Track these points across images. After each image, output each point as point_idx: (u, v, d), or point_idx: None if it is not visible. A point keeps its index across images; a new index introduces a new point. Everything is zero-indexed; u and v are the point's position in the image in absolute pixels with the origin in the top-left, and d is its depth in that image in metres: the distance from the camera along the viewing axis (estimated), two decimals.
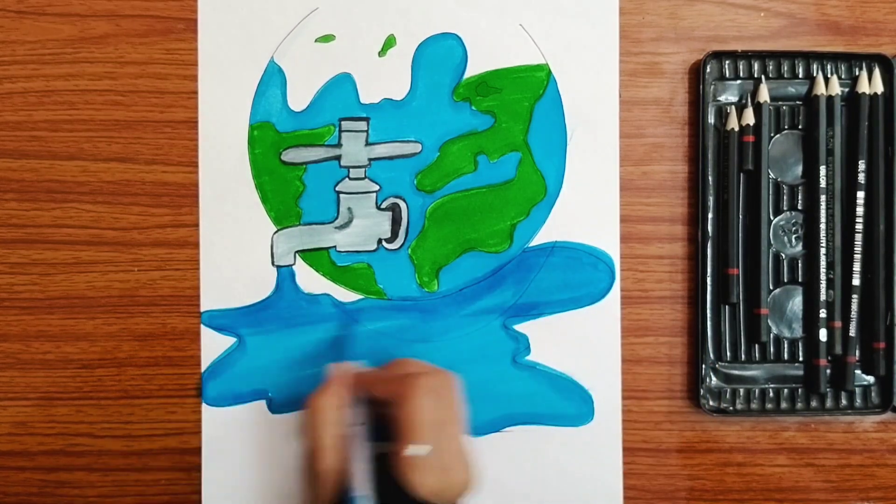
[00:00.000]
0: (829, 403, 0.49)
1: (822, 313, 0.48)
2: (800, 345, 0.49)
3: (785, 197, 0.49)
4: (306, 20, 0.48)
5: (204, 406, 0.48)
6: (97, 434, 0.48)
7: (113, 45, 0.48)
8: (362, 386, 0.41)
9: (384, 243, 0.49)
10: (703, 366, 0.48)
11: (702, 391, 0.48)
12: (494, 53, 0.49)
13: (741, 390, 0.49)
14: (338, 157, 0.48)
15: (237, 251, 0.48)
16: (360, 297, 0.48)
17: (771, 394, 0.49)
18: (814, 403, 0.49)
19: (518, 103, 0.49)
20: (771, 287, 0.49)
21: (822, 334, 0.48)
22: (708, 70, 0.48)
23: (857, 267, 0.48)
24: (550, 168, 0.49)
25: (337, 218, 0.48)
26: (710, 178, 0.49)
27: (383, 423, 0.41)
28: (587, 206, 0.49)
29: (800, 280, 0.49)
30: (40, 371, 0.48)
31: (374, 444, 0.41)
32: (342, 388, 0.41)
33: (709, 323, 0.49)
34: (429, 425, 0.38)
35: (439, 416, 0.39)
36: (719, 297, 0.49)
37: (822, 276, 0.48)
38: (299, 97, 0.48)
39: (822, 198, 0.48)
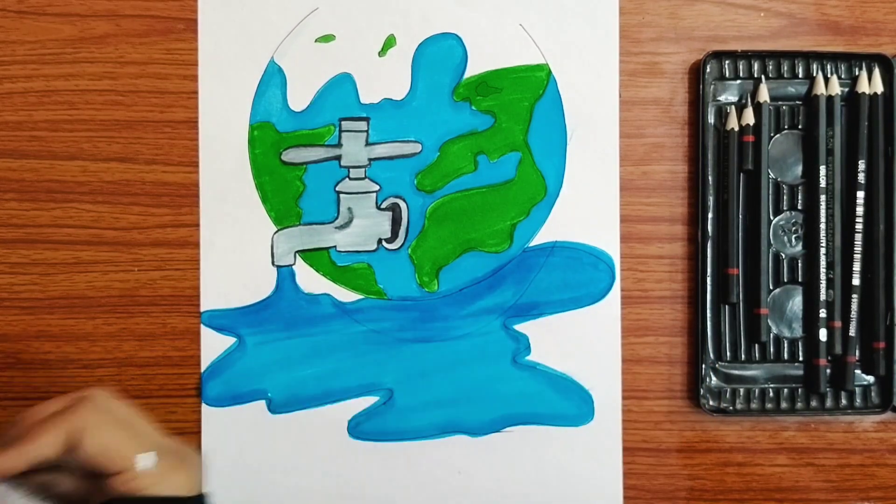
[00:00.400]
0: (829, 403, 0.49)
1: (822, 313, 0.48)
2: (800, 345, 0.49)
3: (785, 197, 0.49)
4: (306, 20, 0.48)
5: (204, 406, 0.48)
6: None
7: (113, 45, 0.48)
8: (12, 463, 0.32)
9: (384, 243, 0.49)
10: (703, 366, 0.48)
11: (702, 391, 0.48)
12: (494, 53, 0.49)
13: (741, 390, 0.49)
14: (338, 157, 0.48)
15: (237, 251, 0.48)
16: (360, 297, 0.48)
17: (771, 394, 0.49)
18: (814, 403, 0.49)
19: (518, 103, 0.49)
20: (771, 287, 0.49)
21: (822, 334, 0.48)
22: (708, 70, 0.48)
23: (857, 267, 0.48)
24: (550, 168, 0.49)
25: (337, 218, 0.48)
26: (710, 178, 0.49)
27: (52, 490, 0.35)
28: (587, 206, 0.49)
29: (800, 280, 0.49)
30: (40, 371, 0.48)
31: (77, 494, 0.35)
32: None
33: (709, 323, 0.49)
34: (125, 432, 0.34)
35: (123, 424, 0.34)
36: (719, 297, 0.49)
37: (822, 276, 0.48)
38: (299, 97, 0.48)
39: (822, 198, 0.48)
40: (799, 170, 0.49)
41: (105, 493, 0.33)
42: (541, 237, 0.49)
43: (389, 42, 0.48)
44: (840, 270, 0.49)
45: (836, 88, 0.48)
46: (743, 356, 0.49)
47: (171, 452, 0.35)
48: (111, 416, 0.34)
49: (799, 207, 0.49)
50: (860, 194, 0.48)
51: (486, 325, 0.49)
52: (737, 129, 0.48)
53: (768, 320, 0.49)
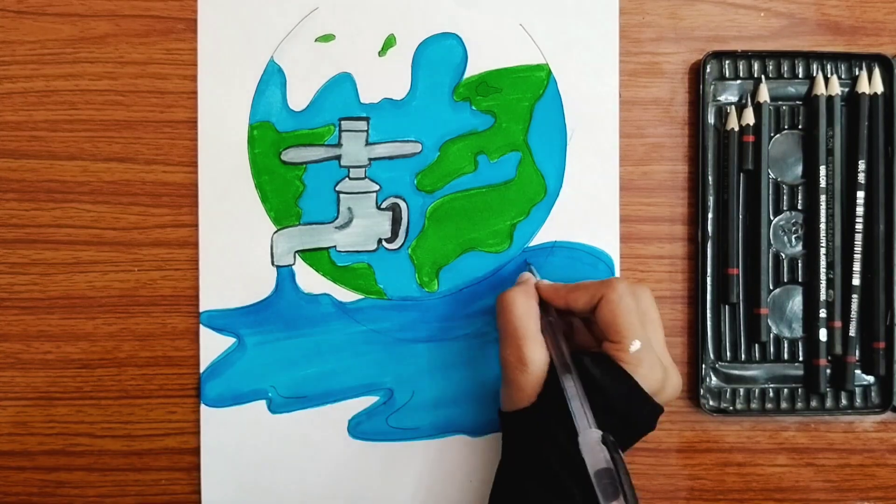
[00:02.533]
0: (829, 403, 0.49)
1: (822, 313, 0.48)
2: (800, 345, 0.49)
3: (785, 197, 0.49)
4: (306, 20, 0.48)
5: (203, 406, 0.48)
6: (97, 434, 0.48)
7: (113, 45, 0.48)
8: (553, 295, 0.42)
9: (384, 243, 0.49)
10: (703, 366, 0.48)
11: (702, 391, 0.48)
12: (494, 53, 0.49)
13: (741, 390, 0.49)
14: (338, 157, 0.48)
15: (237, 251, 0.48)
16: (360, 296, 0.48)
17: (771, 394, 0.49)
18: (814, 403, 0.49)
19: (518, 103, 0.49)
20: (771, 287, 0.49)
21: (822, 334, 0.48)
22: (708, 70, 0.48)
23: (857, 267, 0.48)
24: (550, 168, 0.49)
25: (337, 218, 0.48)
26: (710, 178, 0.49)
27: (569, 335, 0.43)
28: (587, 206, 0.49)
29: (800, 280, 0.49)
30: (40, 371, 0.48)
31: (570, 343, 0.42)
32: (529, 289, 0.42)
33: (709, 323, 0.49)
34: (637, 323, 0.40)
35: (642, 316, 0.40)
36: (719, 296, 0.49)
37: (822, 276, 0.48)
38: (299, 97, 0.48)
39: (822, 198, 0.48)
40: (799, 170, 0.49)
41: (598, 351, 0.40)
42: (541, 237, 0.49)
43: (389, 42, 0.48)
44: (840, 270, 0.49)
45: (836, 88, 0.48)
46: (743, 356, 0.49)
47: (662, 362, 0.40)
48: (632, 302, 0.40)
49: (799, 207, 0.49)
50: (860, 194, 0.48)
51: (486, 325, 0.49)
52: (737, 129, 0.48)
53: (768, 320, 0.49)
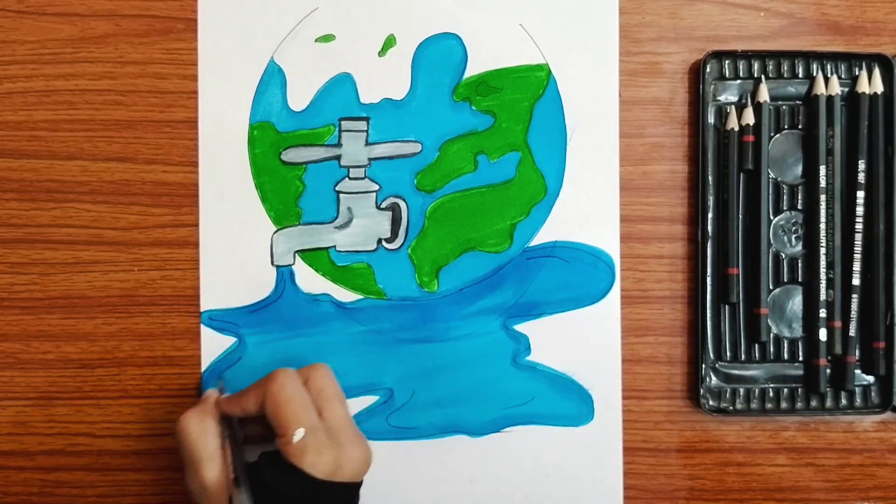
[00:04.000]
0: (829, 403, 0.49)
1: (822, 313, 0.48)
2: (800, 344, 0.49)
3: (785, 197, 0.49)
4: (306, 20, 0.48)
5: None
6: (97, 434, 0.48)
7: (113, 45, 0.48)
8: (229, 406, 0.41)
9: (384, 243, 0.49)
10: (703, 365, 0.48)
11: (702, 391, 0.48)
12: (494, 53, 0.49)
13: (741, 390, 0.49)
14: (338, 157, 0.48)
15: (237, 251, 0.48)
16: (360, 296, 0.48)
17: (771, 393, 0.49)
18: (814, 403, 0.49)
19: (518, 103, 0.49)
20: (771, 287, 0.49)
21: (822, 334, 0.48)
22: (708, 70, 0.48)
23: (857, 267, 0.48)
24: (550, 168, 0.49)
25: (337, 218, 0.48)
26: (710, 178, 0.49)
27: (255, 438, 0.43)
28: (587, 206, 0.49)
29: (800, 280, 0.49)
30: (40, 371, 0.48)
31: (252, 448, 0.42)
32: (210, 406, 0.42)
33: (709, 323, 0.49)
34: (301, 408, 0.39)
35: (312, 398, 0.40)
36: (719, 296, 0.49)
37: (822, 276, 0.48)
38: (299, 97, 0.48)
39: (822, 197, 0.48)
40: (799, 170, 0.49)
41: (273, 450, 0.40)
42: (541, 237, 0.49)
43: (389, 42, 0.48)
44: (840, 270, 0.49)
45: (836, 88, 0.48)
46: (743, 356, 0.49)
47: (336, 440, 0.40)
48: (295, 389, 0.40)
49: (799, 207, 0.49)
50: (860, 194, 0.48)
51: (486, 325, 0.49)
52: (737, 128, 0.48)
53: (768, 320, 0.49)
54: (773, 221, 0.49)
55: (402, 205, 0.49)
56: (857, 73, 0.49)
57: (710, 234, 0.49)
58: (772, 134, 0.49)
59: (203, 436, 0.40)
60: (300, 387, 0.41)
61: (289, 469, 0.38)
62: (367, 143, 0.48)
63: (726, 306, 0.49)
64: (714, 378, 0.49)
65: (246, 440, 0.42)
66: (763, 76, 0.49)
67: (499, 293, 0.49)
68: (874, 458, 0.49)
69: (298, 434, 0.38)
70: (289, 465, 0.38)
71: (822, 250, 0.48)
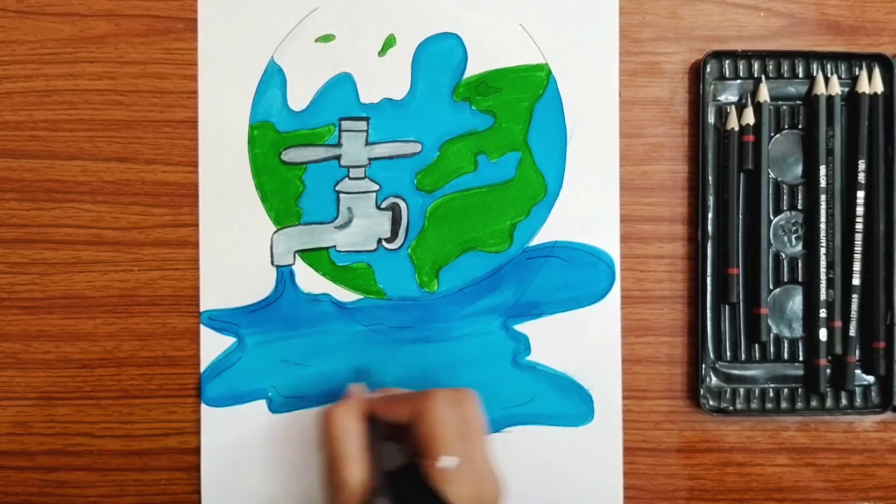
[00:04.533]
0: (829, 403, 0.49)
1: (822, 313, 0.48)
2: (800, 344, 0.49)
3: (785, 197, 0.49)
4: (306, 20, 0.48)
5: (203, 406, 0.48)
6: (97, 434, 0.48)
7: (113, 45, 0.48)
8: (379, 407, 0.42)
9: (384, 243, 0.49)
10: (703, 365, 0.48)
11: (702, 391, 0.48)
12: (494, 53, 0.49)
13: (741, 390, 0.49)
14: (338, 157, 0.48)
15: (237, 251, 0.48)
16: (360, 296, 0.48)
17: (771, 394, 0.49)
18: (814, 403, 0.49)
19: (518, 103, 0.49)
20: (771, 287, 0.49)
21: (822, 334, 0.48)
22: (708, 70, 0.48)
23: (857, 267, 0.48)
24: (550, 168, 0.49)
25: (337, 218, 0.48)
26: (710, 178, 0.49)
27: (400, 445, 0.42)
28: (587, 206, 0.49)
29: (800, 280, 0.49)
30: (40, 371, 0.48)
31: (397, 456, 0.41)
32: (359, 404, 0.42)
33: (709, 323, 0.49)
34: (453, 437, 0.39)
35: (461, 428, 0.40)
36: (719, 296, 0.49)
37: (822, 276, 0.48)
38: (299, 97, 0.48)
39: (822, 197, 0.48)
40: (799, 170, 0.49)
41: (416, 466, 0.40)
42: (541, 237, 0.49)
43: (389, 42, 0.48)
44: (840, 270, 0.49)
45: (836, 88, 0.48)
46: (743, 356, 0.49)
47: (478, 474, 0.39)
48: (451, 414, 0.40)
49: (799, 207, 0.49)
50: (860, 194, 0.48)
51: (486, 325, 0.49)
52: (737, 128, 0.48)
53: (768, 320, 0.49)
54: (773, 221, 0.49)
55: (402, 205, 0.49)
56: (857, 73, 0.49)
57: (710, 234, 0.49)
58: (772, 134, 0.49)
59: (349, 434, 0.40)
60: (455, 413, 0.40)
61: (431, 493, 0.38)
62: (367, 143, 0.48)
63: (726, 306, 0.49)
64: (714, 378, 0.49)
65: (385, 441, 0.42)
66: (763, 76, 0.49)
67: (499, 293, 0.49)
68: (874, 458, 0.49)
69: (450, 462, 0.38)
70: (428, 488, 0.38)
71: (822, 250, 0.48)
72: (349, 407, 0.41)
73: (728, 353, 0.49)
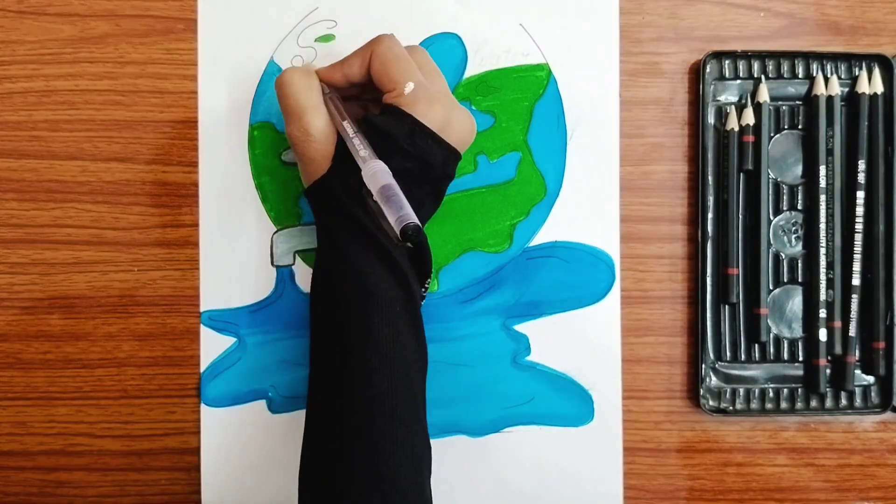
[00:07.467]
0: (828, 403, 0.49)
1: (822, 313, 0.48)
2: (800, 345, 0.49)
3: (785, 197, 0.49)
4: (306, 20, 0.48)
5: (203, 406, 0.48)
6: (97, 434, 0.48)
7: (113, 45, 0.48)
8: (334, 73, 0.42)
9: None
10: (703, 366, 0.48)
11: (702, 391, 0.48)
12: (494, 53, 0.49)
13: (741, 390, 0.49)
14: None
15: (237, 251, 0.48)
16: None
17: (771, 394, 0.49)
18: (814, 403, 0.49)
19: (518, 103, 0.49)
20: (771, 287, 0.49)
21: (822, 334, 0.48)
22: (708, 70, 0.48)
23: (856, 267, 0.48)
24: (550, 168, 0.49)
25: None
26: (709, 178, 0.49)
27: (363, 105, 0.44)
28: (587, 206, 0.49)
29: (800, 280, 0.49)
30: (40, 371, 0.48)
31: (356, 105, 0.43)
32: (310, 68, 0.42)
33: (709, 323, 0.49)
34: (410, 65, 0.40)
35: (417, 62, 0.40)
36: (719, 297, 0.49)
37: (822, 276, 0.48)
38: None
39: (822, 198, 0.48)
40: (799, 170, 0.49)
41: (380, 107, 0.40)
42: (541, 237, 0.49)
43: None
44: (840, 270, 0.49)
45: (836, 88, 0.48)
46: (743, 356, 0.49)
47: (445, 97, 0.41)
48: (401, 51, 0.40)
49: (799, 207, 0.49)
50: (860, 194, 0.48)
51: (486, 325, 0.49)
52: (737, 129, 0.49)
53: (768, 320, 0.49)
54: (773, 221, 0.49)
55: None
56: (856, 73, 0.49)
57: (710, 234, 0.49)
58: (772, 134, 0.49)
59: (308, 89, 0.40)
60: (407, 50, 0.41)
61: (399, 114, 0.39)
62: None
63: (726, 306, 0.49)
64: (714, 378, 0.49)
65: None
66: (763, 76, 0.49)
67: (499, 293, 0.49)
68: (874, 458, 0.49)
69: (409, 86, 0.39)
70: (399, 110, 0.39)
71: (822, 250, 0.48)
72: (304, 67, 0.42)
73: (728, 354, 0.49)
